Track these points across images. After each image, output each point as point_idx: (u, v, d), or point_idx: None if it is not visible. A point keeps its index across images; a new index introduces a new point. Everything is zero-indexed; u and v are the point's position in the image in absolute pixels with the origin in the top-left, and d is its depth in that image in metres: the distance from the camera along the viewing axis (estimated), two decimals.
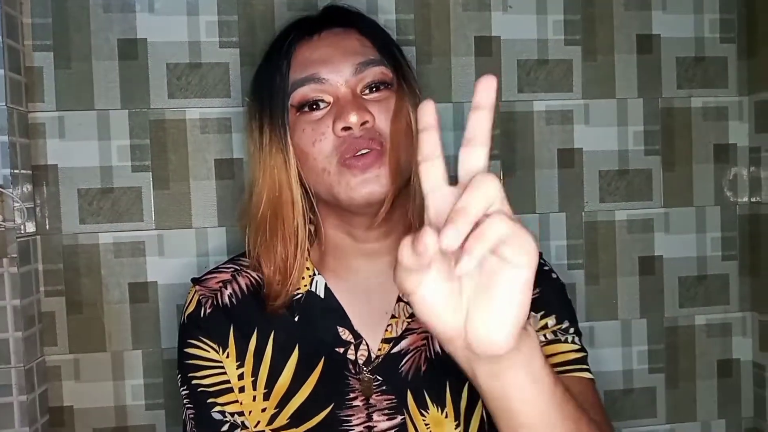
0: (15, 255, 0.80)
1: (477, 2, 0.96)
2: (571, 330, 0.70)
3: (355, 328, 0.68)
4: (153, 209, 0.91)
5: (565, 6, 0.98)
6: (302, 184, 0.68)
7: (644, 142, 1.01)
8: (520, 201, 0.98)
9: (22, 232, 0.83)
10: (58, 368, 0.89)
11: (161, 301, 0.91)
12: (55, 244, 0.89)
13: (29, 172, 0.87)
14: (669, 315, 1.02)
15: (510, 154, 0.98)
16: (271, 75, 0.69)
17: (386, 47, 0.70)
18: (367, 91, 0.66)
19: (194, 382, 0.67)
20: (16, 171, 0.82)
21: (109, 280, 0.90)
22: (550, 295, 0.70)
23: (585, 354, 0.69)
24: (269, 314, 0.69)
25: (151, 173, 0.90)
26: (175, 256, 0.91)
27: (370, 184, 0.63)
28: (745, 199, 1.04)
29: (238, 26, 0.91)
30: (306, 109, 0.66)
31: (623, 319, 1.01)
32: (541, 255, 0.74)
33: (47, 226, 0.89)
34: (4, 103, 0.80)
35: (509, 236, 0.39)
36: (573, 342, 0.69)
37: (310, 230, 0.71)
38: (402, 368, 0.67)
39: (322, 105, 0.66)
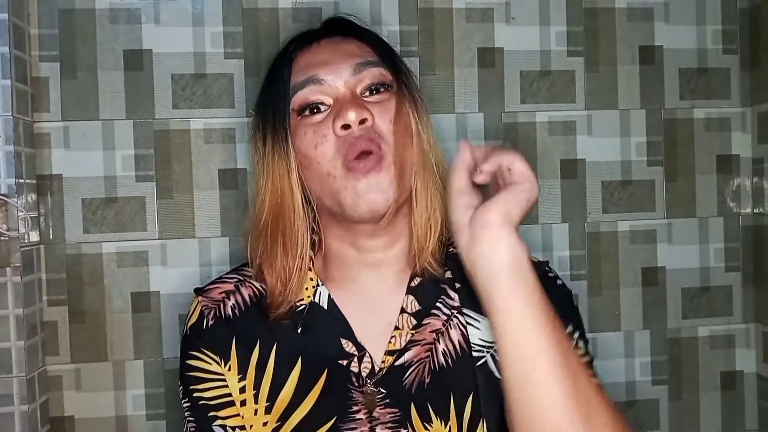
0: (18, 264, 0.81)
1: (480, 13, 0.97)
2: (576, 334, 0.69)
3: (359, 340, 0.68)
4: (156, 219, 0.91)
5: (567, 17, 0.98)
6: (304, 193, 0.68)
7: (647, 153, 1.01)
8: None
9: (26, 241, 0.83)
10: (59, 378, 0.89)
11: (163, 311, 0.91)
12: (58, 254, 0.89)
13: (34, 181, 0.87)
14: (672, 326, 1.02)
15: None
16: (274, 84, 0.70)
17: (386, 54, 0.71)
18: (367, 93, 0.67)
19: (196, 395, 0.67)
20: (20, 180, 0.82)
21: (111, 290, 0.90)
22: (553, 301, 0.70)
23: (591, 358, 0.69)
24: (272, 326, 0.68)
25: (155, 183, 0.91)
26: (178, 266, 0.91)
27: (374, 191, 0.63)
28: (749, 210, 1.04)
29: (243, 37, 0.92)
30: (307, 112, 0.67)
31: (626, 331, 1.01)
32: (547, 263, 0.75)
33: (51, 236, 0.89)
34: (9, 113, 0.80)
35: (518, 163, 0.58)
36: (577, 346, 0.68)
37: (314, 240, 0.71)
38: (406, 381, 0.67)
39: (322, 108, 0.66)
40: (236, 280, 0.72)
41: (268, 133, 0.69)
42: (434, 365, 0.68)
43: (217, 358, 0.68)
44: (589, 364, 0.68)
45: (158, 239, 0.91)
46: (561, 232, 0.99)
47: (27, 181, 0.85)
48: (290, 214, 0.68)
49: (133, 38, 0.90)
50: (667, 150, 1.01)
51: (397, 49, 0.88)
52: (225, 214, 0.92)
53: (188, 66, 0.91)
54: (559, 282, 0.74)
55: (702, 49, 1.02)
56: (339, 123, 0.64)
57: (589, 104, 0.99)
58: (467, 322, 0.69)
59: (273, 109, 0.69)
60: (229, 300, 0.70)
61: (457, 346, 0.68)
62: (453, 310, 0.70)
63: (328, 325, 0.69)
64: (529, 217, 0.99)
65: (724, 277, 1.03)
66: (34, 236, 0.87)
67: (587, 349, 0.70)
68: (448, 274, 0.71)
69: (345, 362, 0.67)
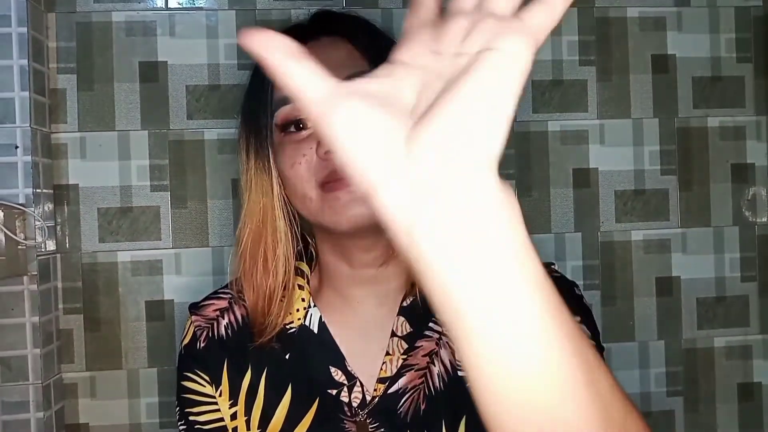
0: (35, 273, 0.82)
1: None
2: (578, 319, 0.62)
3: (349, 367, 0.64)
4: (171, 228, 0.92)
5: (579, 27, 0.98)
6: (291, 211, 0.64)
7: (660, 162, 1.00)
8: (536, 221, 0.98)
9: (43, 250, 0.85)
10: (74, 385, 0.90)
11: (177, 320, 0.91)
12: (74, 262, 0.90)
13: (51, 191, 0.89)
14: (687, 337, 1.01)
15: (525, 174, 0.97)
16: (256, 93, 0.64)
17: (380, 56, 0.62)
18: None
19: (191, 418, 0.65)
20: (38, 190, 0.83)
21: (126, 298, 0.91)
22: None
23: (601, 348, 0.64)
24: (263, 348, 0.65)
25: (169, 193, 0.92)
26: (192, 275, 0.92)
27: (355, 205, 0.57)
28: (764, 219, 1.02)
29: None
30: (291, 128, 0.61)
31: (640, 341, 1.00)
32: (551, 264, 0.71)
33: (67, 245, 0.90)
34: (27, 124, 0.82)
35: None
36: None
37: (311, 253, 0.69)
38: (401, 409, 0.63)
39: (308, 124, 0.61)
40: (230, 296, 0.69)
41: (251, 147, 0.64)
42: (429, 390, 0.63)
43: (210, 381, 0.66)
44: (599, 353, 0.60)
45: (172, 248, 0.92)
46: (574, 241, 0.98)
47: (44, 190, 0.86)
48: (273, 238, 0.63)
49: (149, 50, 0.91)
50: (680, 159, 1.01)
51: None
52: (238, 223, 0.92)
53: (202, 77, 0.92)
54: (555, 274, 0.66)
55: (715, 58, 1.01)
56: (323, 149, 0.58)
57: (601, 113, 0.99)
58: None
59: (255, 122, 0.64)
60: (223, 318, 0.68)
61: (449, 367, 0.64)
62: (443, 328, 0.64)
63: (318, 351, 0.65)
64: (540, 226, 1.00)
65: (740, 287, 1.02)
66: (51, 245, 0.88)
67: (592, 334, 0.64)
68: None
69: (334, 392, 0.63)
